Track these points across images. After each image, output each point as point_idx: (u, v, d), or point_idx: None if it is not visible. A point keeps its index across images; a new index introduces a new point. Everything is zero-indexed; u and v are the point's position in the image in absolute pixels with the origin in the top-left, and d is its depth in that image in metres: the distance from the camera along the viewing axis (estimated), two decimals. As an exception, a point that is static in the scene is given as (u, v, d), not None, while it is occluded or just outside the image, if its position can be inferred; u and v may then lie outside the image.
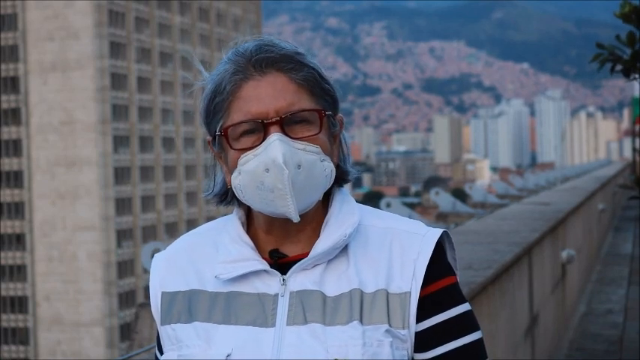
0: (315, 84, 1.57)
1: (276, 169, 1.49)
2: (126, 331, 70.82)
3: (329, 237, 1.56)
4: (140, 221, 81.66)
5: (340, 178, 1.64)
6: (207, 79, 1.61)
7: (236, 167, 1.55)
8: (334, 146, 1.61)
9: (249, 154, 1.53)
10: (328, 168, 1.55)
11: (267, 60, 1.55)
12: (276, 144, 1.50)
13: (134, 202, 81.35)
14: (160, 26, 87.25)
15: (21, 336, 77.26)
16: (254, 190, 1.53)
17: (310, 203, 1.54)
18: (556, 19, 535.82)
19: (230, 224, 1.63)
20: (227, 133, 1.55)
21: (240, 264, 1.57)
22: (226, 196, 1.65)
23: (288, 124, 1.53)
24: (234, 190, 1.57)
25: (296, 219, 1.52)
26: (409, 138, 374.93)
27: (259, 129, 1.53)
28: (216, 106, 1.57)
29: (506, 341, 4.91)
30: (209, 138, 1.62)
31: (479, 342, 1.58)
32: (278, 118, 1.52)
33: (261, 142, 1.52)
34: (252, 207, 1.57)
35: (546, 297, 6.83)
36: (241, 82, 1.55)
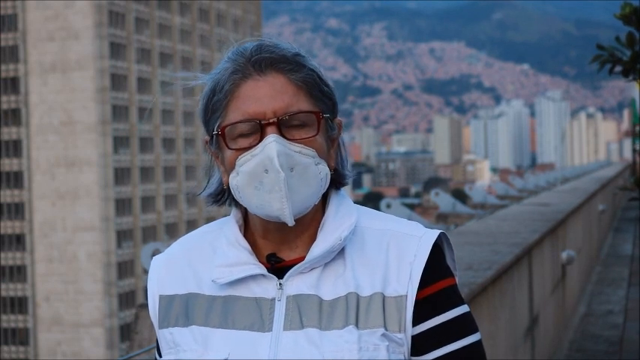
0: (314, 86, 1.56)
1: (273, 171, 1.48)
2: (126, 332, 70.81)
3: (325, 240, 1.54)
4: (140, 222, 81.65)
5: (337, 182, 1.62)
6: (206, 77, 1.60)
7: (234, 168, 1.53)
8: (332, 149, 1.59)
9: (247, 154, 1.51)
10: (323, 171, 1.53)
11: (266, 60, 1.54)
12: (272, 146, 1.48)
13: (134, 203, 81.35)
14: (160, 27, 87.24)
15: (21, 336, 77.24)
16: (252, 191, 1.51)
17: (305, 207, 1.52)
18: (556, 20, 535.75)
19: (227, 227, 1.61)
20: (224, 132, 1.54)
21: (238, 268, 1.55)
22: (222, 196, 1.63)
23: (285, 125, 1.51)
24: (231, 190, 1.56)
25: (291, 223, 1.50)
26: (409, 139, 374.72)
27: (256, 129, 1.51)
28: (214, 104, 1.56)
29: (507, 342, 4.91)
30: (206, 137, 1.60)
31: (477, 344, 1.56)
32: (275, 119, 1.50)
33: (258, 143, 1.51)
34: (248, 209, 1.56)
35: (546, 298, 6.83)
36: (240, 81, 1.53)
